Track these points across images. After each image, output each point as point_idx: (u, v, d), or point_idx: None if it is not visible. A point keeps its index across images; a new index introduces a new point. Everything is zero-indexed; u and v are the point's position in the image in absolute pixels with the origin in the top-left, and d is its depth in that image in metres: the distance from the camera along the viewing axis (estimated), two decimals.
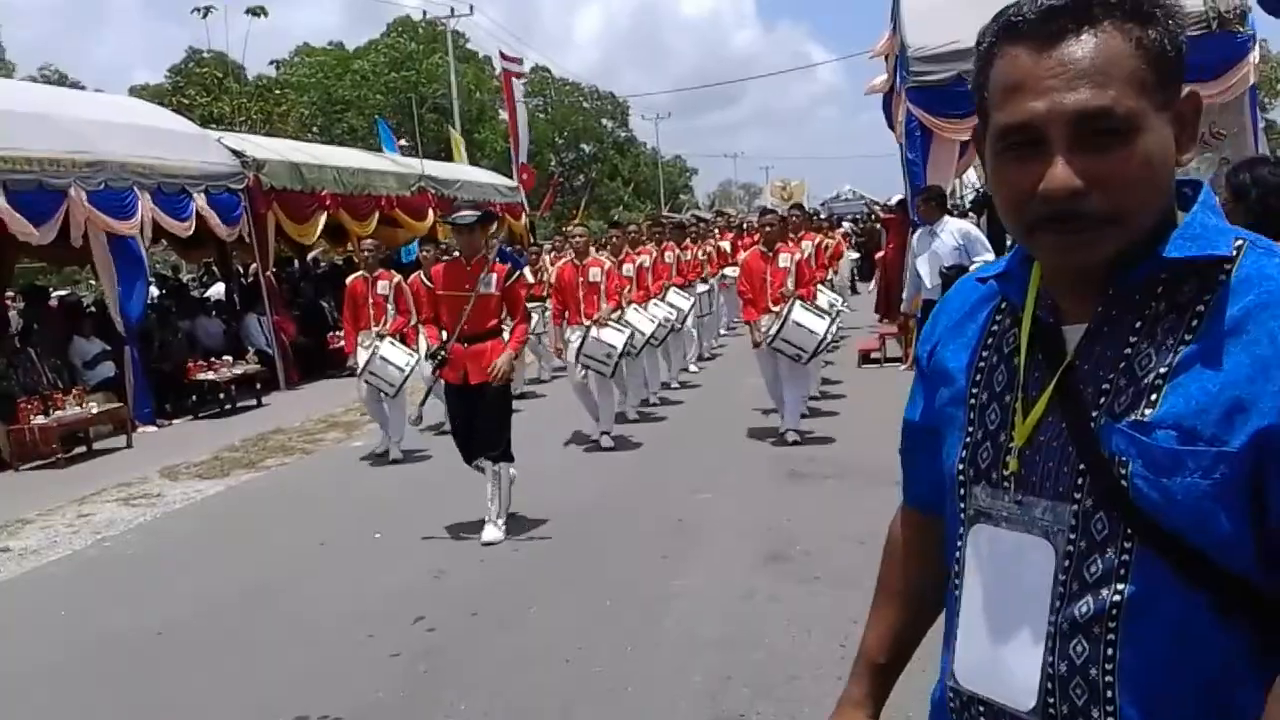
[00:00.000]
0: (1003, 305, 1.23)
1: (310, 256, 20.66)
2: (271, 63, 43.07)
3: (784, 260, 8.52)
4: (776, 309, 8.30)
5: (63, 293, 16.39)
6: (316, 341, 15.39)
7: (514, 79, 24.21)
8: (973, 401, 1.20)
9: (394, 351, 8.81)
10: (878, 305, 14.89)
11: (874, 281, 17.28)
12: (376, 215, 16.52)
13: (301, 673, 4.49)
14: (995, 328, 1.22)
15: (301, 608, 5.38)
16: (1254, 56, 8.84)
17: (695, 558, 5.72)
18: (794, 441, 8.28)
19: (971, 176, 17.95)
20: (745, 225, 18.23)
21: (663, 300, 11.17)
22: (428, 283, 6.78)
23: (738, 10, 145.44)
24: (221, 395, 12.74)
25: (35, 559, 6.83)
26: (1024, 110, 1.03)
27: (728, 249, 15.37)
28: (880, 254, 16.37)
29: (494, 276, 6.36)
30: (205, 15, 29.88)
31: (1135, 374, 1.05)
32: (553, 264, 11.34)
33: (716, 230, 17.05)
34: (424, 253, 10.23)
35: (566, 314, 9.17)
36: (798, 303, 8.18)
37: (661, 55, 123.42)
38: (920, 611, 1.44)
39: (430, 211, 17.73)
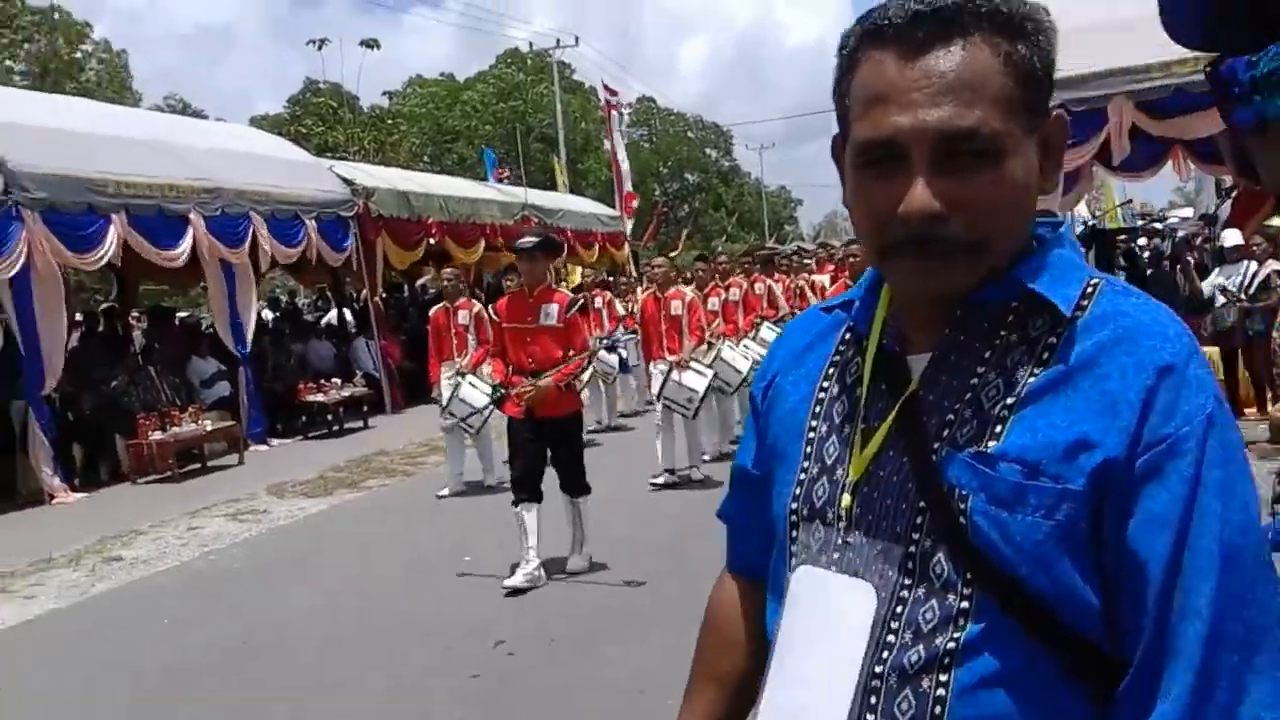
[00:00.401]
0: (848, 335, 1.15)
1: (418, 283, 21.20)
2: (384, 93, 44.55)
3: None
4: None
5: (184, 314, 17.14)
6: (421, 366, 15.72)
7: (614, 110, 24.56)
8: (810, 435, 1.12)
9: (473, 393, 8.41)
10: None
11: None
12: (481, 243, 16.90)
13: (382, 690, 4.60)
14: (838, 358, 1.14)
15: (389, 625, 5.51)
16: None
17: None
18: None
19: (1082, 210, 17.47)
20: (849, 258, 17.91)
21: (755, 338, 10.68)
22: (494, 316, 6.64)
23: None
24: (329, 417, 13.15)
25: (145, 568, 7.16)
26: (886, 125, 0.96)
27: (826, 283, 15.07)
28: None
29: (555, 307, 6.14)
30: (320, 48, 31.19)
31: (981, 404, 0.98)
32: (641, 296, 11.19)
33: (814, 262, 16.35)
34: (507, 280, 9.89)
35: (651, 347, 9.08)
36: None
37: (766, 85, 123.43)
38: (742, 697, 1.27)
39: None
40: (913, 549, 0.98)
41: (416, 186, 16.40)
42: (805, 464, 1.10)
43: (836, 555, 1.04)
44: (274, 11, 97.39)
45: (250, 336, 12.47)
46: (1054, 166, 1.03)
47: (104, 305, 16.30)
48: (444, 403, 8.59)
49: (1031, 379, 0.97)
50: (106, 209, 10.45)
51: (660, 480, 8.55)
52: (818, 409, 1.12)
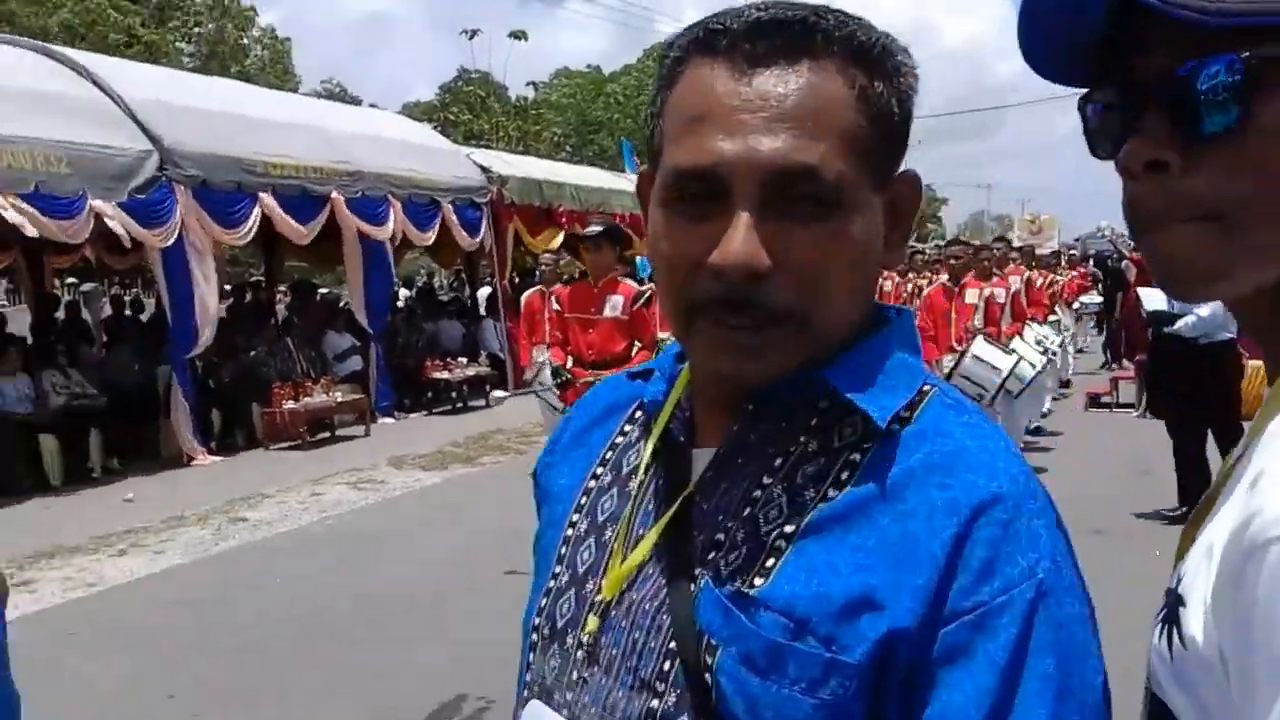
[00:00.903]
0: (637, 412, 0.93)
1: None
2: (529, 84, 45.42)
3: (971, 296, 8.02)
4: (960, 348, 7.71)
5: (325, 290, 17.90)
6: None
7: None
8: (569, 532, 0.90)
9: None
10: (1111, 346, 14.01)
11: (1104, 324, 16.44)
12: None
13: (465, 657, 4.73)
14: (620, 439, 0.93)
15: (479, 597, 5.65)
16: None
17: None
18: None
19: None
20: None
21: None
22: (555, 305, 6.48)
23: (1002, 40, 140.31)
24: (454, 394, 13.54)
25: (266, 530, 7.52)
26: (707, 151, 0.76)
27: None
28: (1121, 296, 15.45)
29: (620, 299, 5.93)
30: (472, 38, 32.08)
31: (758, 527, 0.78)
32: None
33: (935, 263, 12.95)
34: (544, 266, 9.20)
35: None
36: (980, 337, 7.63)
37: (919, 83, 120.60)
38: None
39: None
40: (655, 704, 0.77)
41: (550, 175, 16.69)
42: (556, 569, 0.90)
43: (570, 695, 0.83)
44: (434, 2, 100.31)
45: (386, 314, 12.93)
46: (900, 237, 0.85)
47: (253, 279, 17.15)
48: (530, 381, 8.55)
49: (822, 503, 0.77)
50: (254, 187, 10.98)
51: None
52: (583, 500, 0.91)
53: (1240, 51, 0.63)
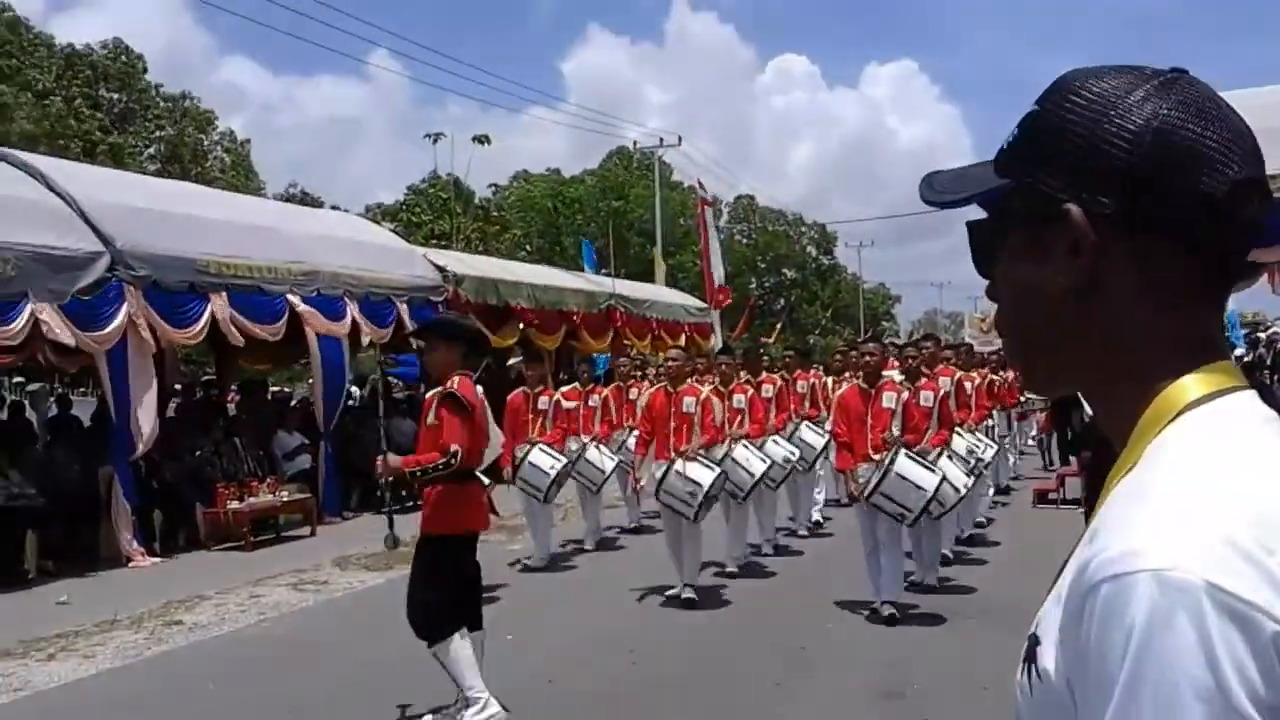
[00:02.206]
0: None
1: (509, 364, 21.63)
2: (490, 186, 46.15)
3: (888, 399, 7.22)
4: (877, 457, 7.01)
5: (276, 389, 17.84)
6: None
7: (707, 207, 25.14)
8: None
9: (543, 459, 9.13)
10: (1059, 442, 14.21)
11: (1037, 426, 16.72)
12: (564, 329, 17.27)
13: None
14: None
15: (418, 700, 5.57)
16: None
17: (807, 687, 5.58)
18: (889, 616, 6.85)
19: None
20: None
21: (792, 437, 10.02)
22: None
23: (954, 143, 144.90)
24: (404, 492, 13.41)
25: (201, 633, 7.37)
26: None
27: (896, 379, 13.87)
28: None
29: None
30: (435, 141, 32.52)
31: None
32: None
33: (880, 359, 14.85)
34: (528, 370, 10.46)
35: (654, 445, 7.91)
36: (902, 451, 6.90)
37: (874, 186, 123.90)
38: None
39: (613, 330, 18.44)
40: None
41: (505, 274, 16.89)
42: None
43: None
44: (400, 108, 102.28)
45: (336, 412, 12.93)
46: None
47: (204, 378, 17.06)
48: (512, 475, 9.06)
49: None
50: (206, 287, 11.05)
51: (670, 595, 7.66)
52: None
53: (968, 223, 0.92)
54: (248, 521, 10.84)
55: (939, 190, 0.93)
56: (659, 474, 7.62)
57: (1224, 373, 0.83)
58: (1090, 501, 7.47)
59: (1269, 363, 14.94)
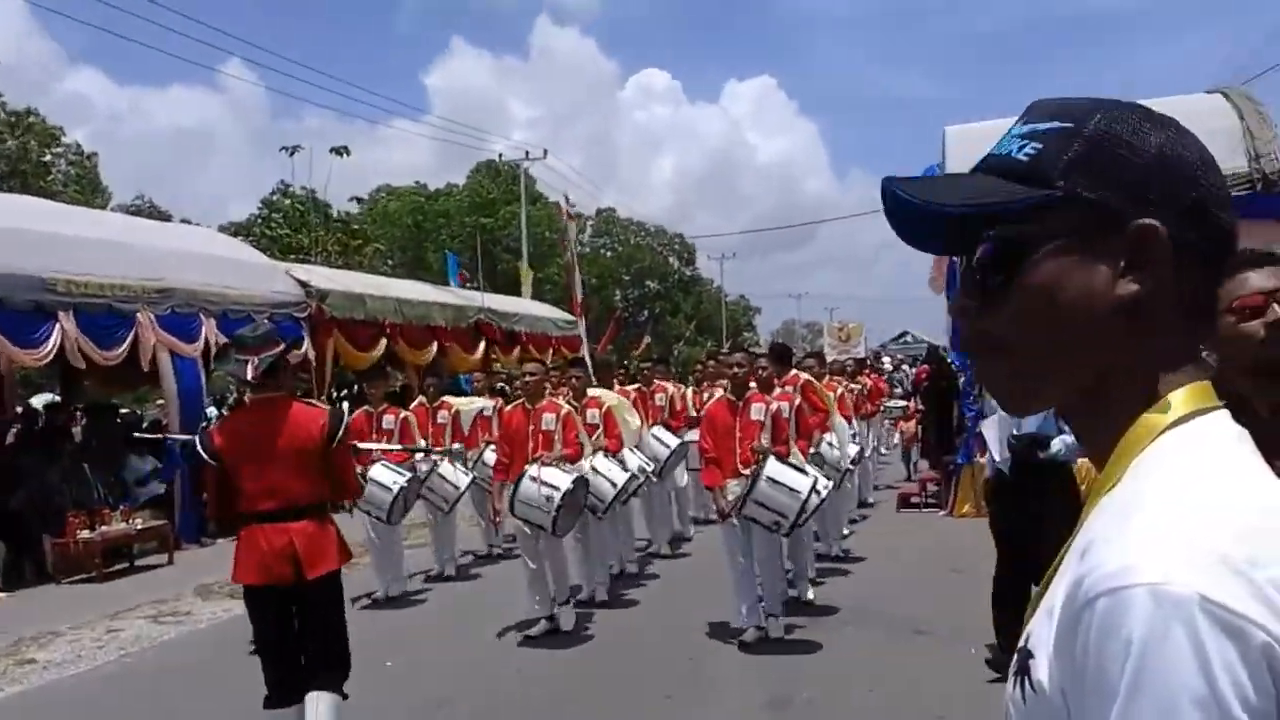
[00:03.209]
0: None
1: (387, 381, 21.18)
2: (351, 198, 45.11)
3: (756, 411, 6.79)
4: (747, 471, 6.58)
5: (125, 411, 16.97)
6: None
7: (571, 221, 25.28)
8: None
9: (385, 473, 8.43)
10: (923, 451, 14.70)
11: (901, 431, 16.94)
12: (434, 345, 17.00)
13: None
14: None
15: None
16: None
17: (698, 698, 5.63)
18: (777, 638, 6.68)
19: None
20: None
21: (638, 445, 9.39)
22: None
23: (811, 159, 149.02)
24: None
25: (57, 671, 6.95)
26: None
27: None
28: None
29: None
30: (292, 154, 31.57)
31: None
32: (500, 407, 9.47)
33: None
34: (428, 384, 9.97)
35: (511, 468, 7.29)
36: (772, 458, 6.52)
37: (735, 199, 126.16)
38: None
39: (483, 344, 18.23)
40: None
41: (372, 289, 16.54)
42: None
43: None
44: (255, 121, 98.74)
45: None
46: None
47: (46, 401, 16.12)
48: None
49: None
50: (54, 307, 10.46)
51: (536, 632, 7.14)
52: None
53: (989, 233, 0.90)
54: (100, 551, 10.28)
55: (930, 194, 0.90)
56: (512, 489, 6.97)
57: (1205, 391, 0.88)
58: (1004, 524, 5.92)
59: None
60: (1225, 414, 0.89)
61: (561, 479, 6.90)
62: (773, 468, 6.45)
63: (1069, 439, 5.23)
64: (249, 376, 4.39)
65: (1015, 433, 5.51)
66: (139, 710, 5.99)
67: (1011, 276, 0.89)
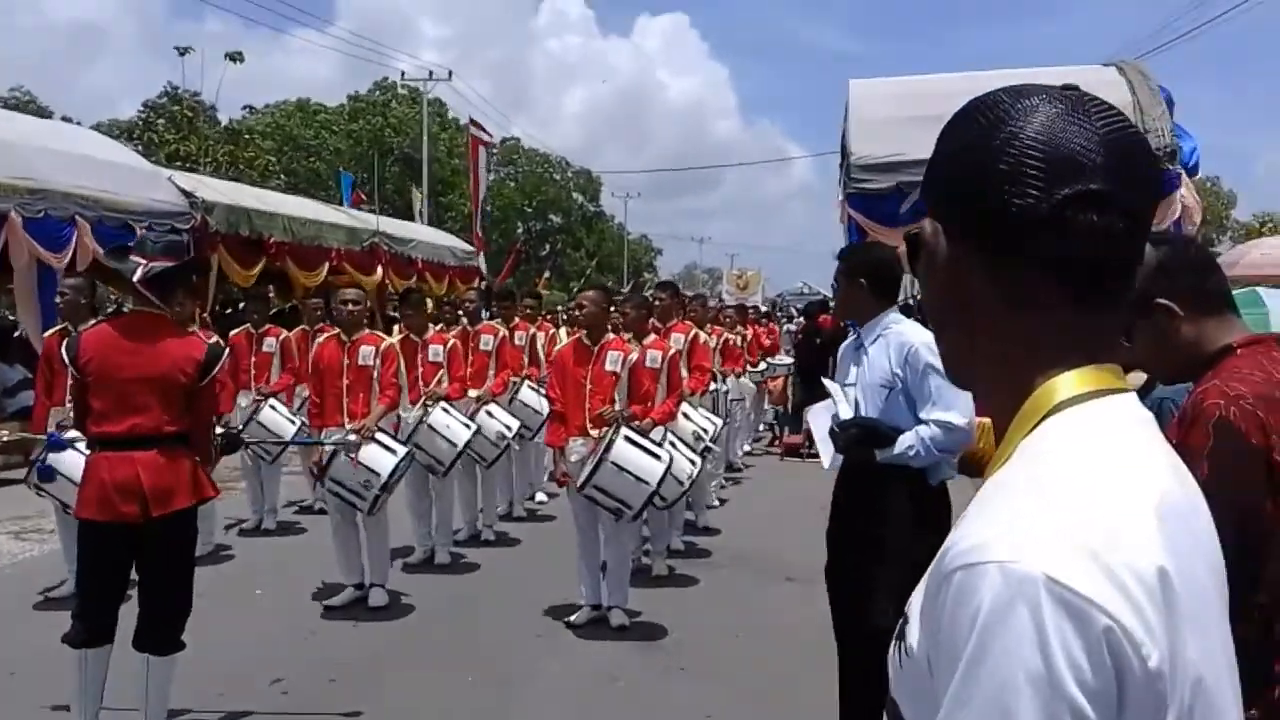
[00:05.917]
0: None
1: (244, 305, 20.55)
2: (245, 108, 43.38)
3: (612, 361, 5.89)
4: (596, 433, 5.77)
5: None
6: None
7: (480, 146, 24.55)
8: None
9: (278, 419, 7.94)
10: (790, 409, 14.23)
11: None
12: (325, 267, 16.52)
13: None
14: None
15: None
16: (1182, 192, 9.25)
17: (567, 640, 5.69)
18: (619, 626, 5.79)
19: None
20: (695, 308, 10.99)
21: (510, 402, 8.21)
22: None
23: (720, 102, 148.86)
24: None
25: None
26: None
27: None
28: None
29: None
30: (183, 54, 30.12)
31: None
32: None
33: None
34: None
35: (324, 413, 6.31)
36: (623, 432, 5.56)
37: (642, 137, 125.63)
38: None
39: (379, 268, 17.81)
40: None
41: (261, 204, 15.94)
42: None
43: None
44: (152, 17, 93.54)
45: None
46: None
47: None
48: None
49: None
50: None
51: (338, 602, 6.19)
52: None
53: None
54: None
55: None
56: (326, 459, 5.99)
57: (1104, 375, 0.91)
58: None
59: None
60: (1128, 397, 0.92)
61: (384, 462, 5.93)
62: (620, 451, 5.47)
63: (931, 432, 3.54)
64: (135, 278, 4.05)
65: (838, 420, 3.72)
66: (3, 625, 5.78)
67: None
